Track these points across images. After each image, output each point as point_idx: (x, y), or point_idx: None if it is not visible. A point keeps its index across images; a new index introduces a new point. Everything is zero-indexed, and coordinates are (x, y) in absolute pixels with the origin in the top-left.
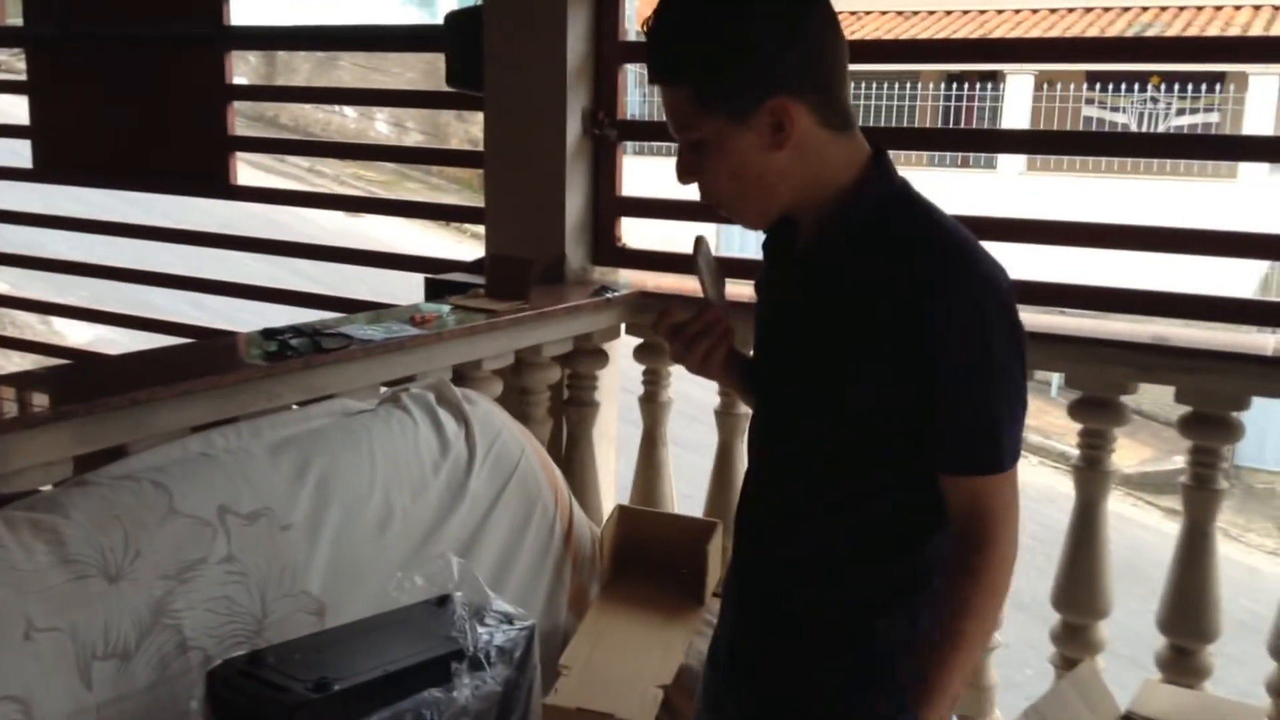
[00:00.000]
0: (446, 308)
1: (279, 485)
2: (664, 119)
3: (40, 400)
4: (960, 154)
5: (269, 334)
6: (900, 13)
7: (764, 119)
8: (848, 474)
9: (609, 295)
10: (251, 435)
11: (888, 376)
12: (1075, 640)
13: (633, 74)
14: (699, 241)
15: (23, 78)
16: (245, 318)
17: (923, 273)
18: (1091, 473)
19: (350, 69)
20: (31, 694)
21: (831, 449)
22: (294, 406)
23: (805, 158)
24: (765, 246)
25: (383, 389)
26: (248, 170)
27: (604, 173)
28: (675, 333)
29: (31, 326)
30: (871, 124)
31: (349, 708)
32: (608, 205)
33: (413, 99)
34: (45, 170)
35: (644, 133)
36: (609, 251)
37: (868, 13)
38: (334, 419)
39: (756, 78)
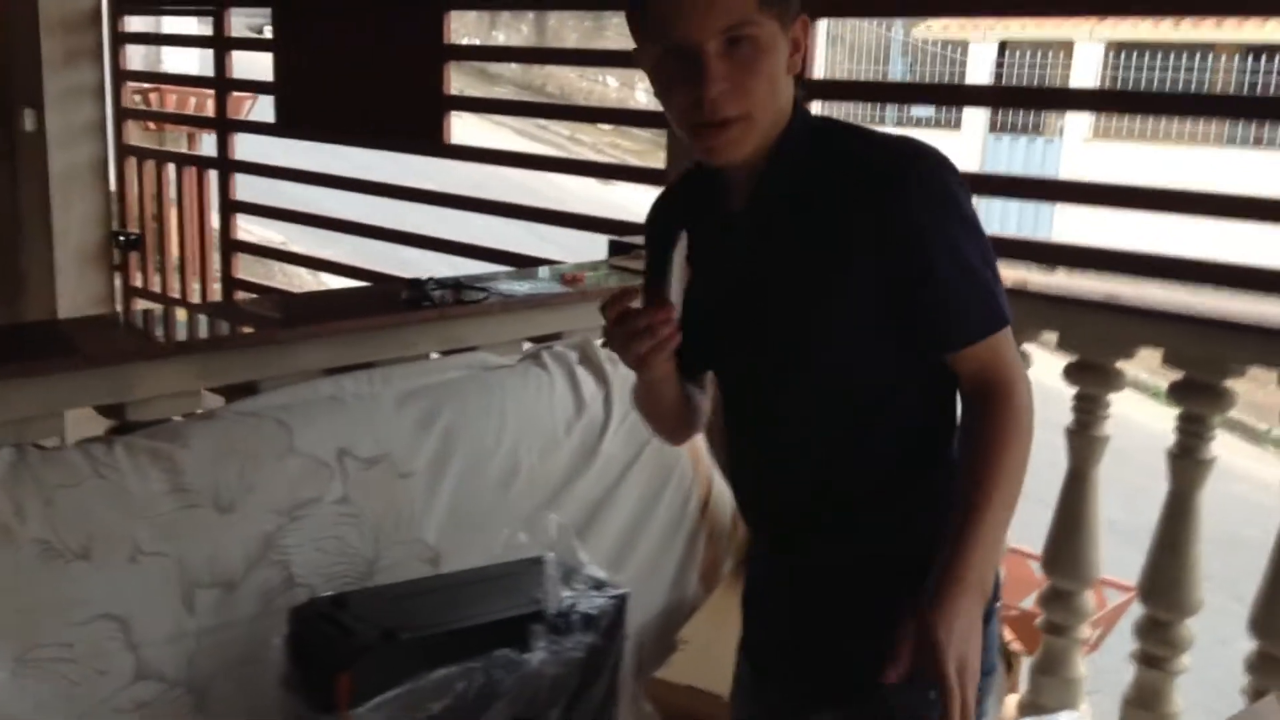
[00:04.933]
0: (603, 268)
1: (403, 433)
2: (856, 79)
3: (177, 335)
4: (1255, 131)
5: (415, 284)
6: None
7: (796, 32)
8: (868, 408)
9: None
10: (384, 382)
11: (879, 278)
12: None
13: (823, 34)
14: (680, 235)
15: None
16: None
17: (878, 166)
18: None
19: (616, 38)
20: (132, 613)
21: (846, 384)
22: (434, 356)
23: (788, 86)
24: (670, 226)
25: (528, 345)
26: (510, 136)
27: None
28: (622, 320)
29: (301, 276)
30: None
31: (414, 658)
32: None
33: (620, 59)
34: (285, 125)
35: (833, 92)
36: None
37: None
38: (470, 372)
39: None
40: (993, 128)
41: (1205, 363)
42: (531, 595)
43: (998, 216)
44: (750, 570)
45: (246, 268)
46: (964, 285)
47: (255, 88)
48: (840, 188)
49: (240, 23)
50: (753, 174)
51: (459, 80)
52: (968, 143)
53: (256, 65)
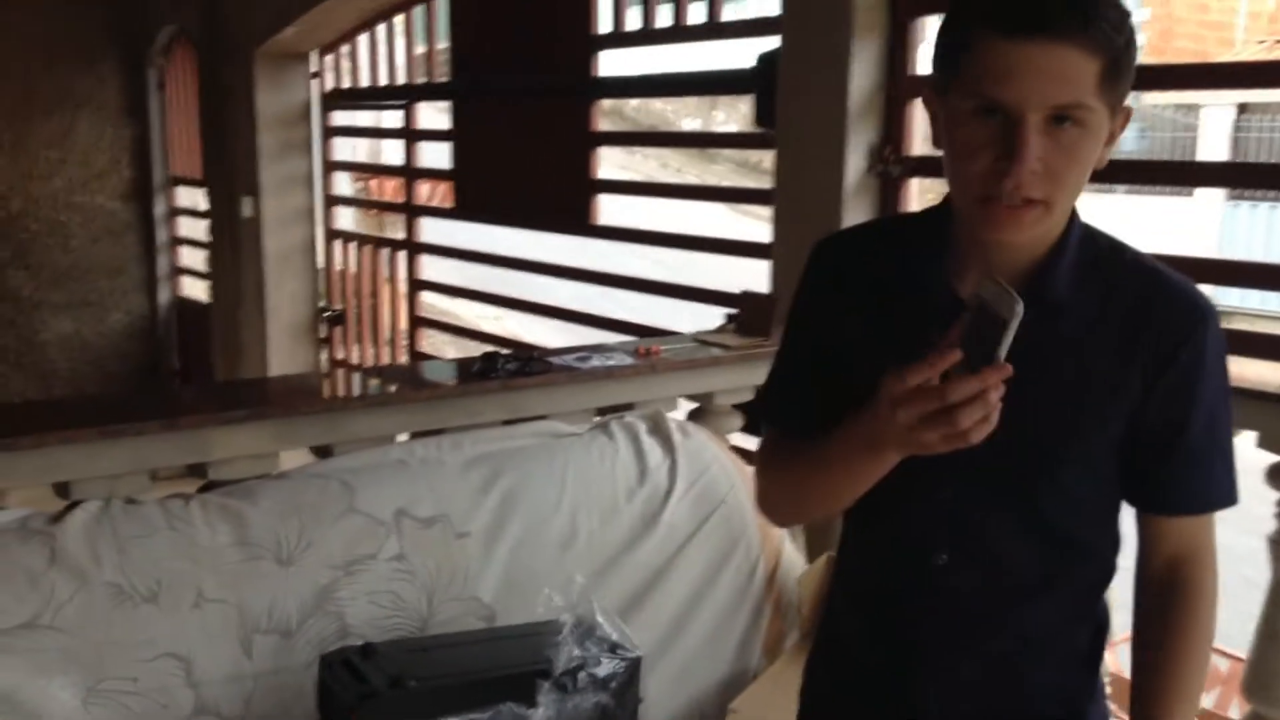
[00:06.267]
0: (688, 343)
1: (463, 495)
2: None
3: (244, 400)
4: None
5: (487, 357)
6: None
7: (1121, 119)
8: (1071, 535)
9: None
10: (452, 448)
11: (1135, 412)
12: None
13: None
14: (992, 280)
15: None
16: None
17: (1181, 299)
18: None
19: None
20: (193, 655)
21: (1060, 508)
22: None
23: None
24: (859, 285)
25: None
26: (733, 216)
27: (888, 209)
28: (922, 393)
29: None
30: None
31: (421, 706)
32: None
33: (719, 140)
34: (462, 210)
35: (934, 169)
36: None
37: None
38: (537, 440)
39: (1132, 71)
40: (1230, 194)
41: None
42: (543, 653)
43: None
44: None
45: (458, 344)
46: (1214, 450)
47: (438, 175)
48: (1136, 307)
49: None
50: (1014, 261)
51: (676, 160)
52: (1202, 211)
53: None
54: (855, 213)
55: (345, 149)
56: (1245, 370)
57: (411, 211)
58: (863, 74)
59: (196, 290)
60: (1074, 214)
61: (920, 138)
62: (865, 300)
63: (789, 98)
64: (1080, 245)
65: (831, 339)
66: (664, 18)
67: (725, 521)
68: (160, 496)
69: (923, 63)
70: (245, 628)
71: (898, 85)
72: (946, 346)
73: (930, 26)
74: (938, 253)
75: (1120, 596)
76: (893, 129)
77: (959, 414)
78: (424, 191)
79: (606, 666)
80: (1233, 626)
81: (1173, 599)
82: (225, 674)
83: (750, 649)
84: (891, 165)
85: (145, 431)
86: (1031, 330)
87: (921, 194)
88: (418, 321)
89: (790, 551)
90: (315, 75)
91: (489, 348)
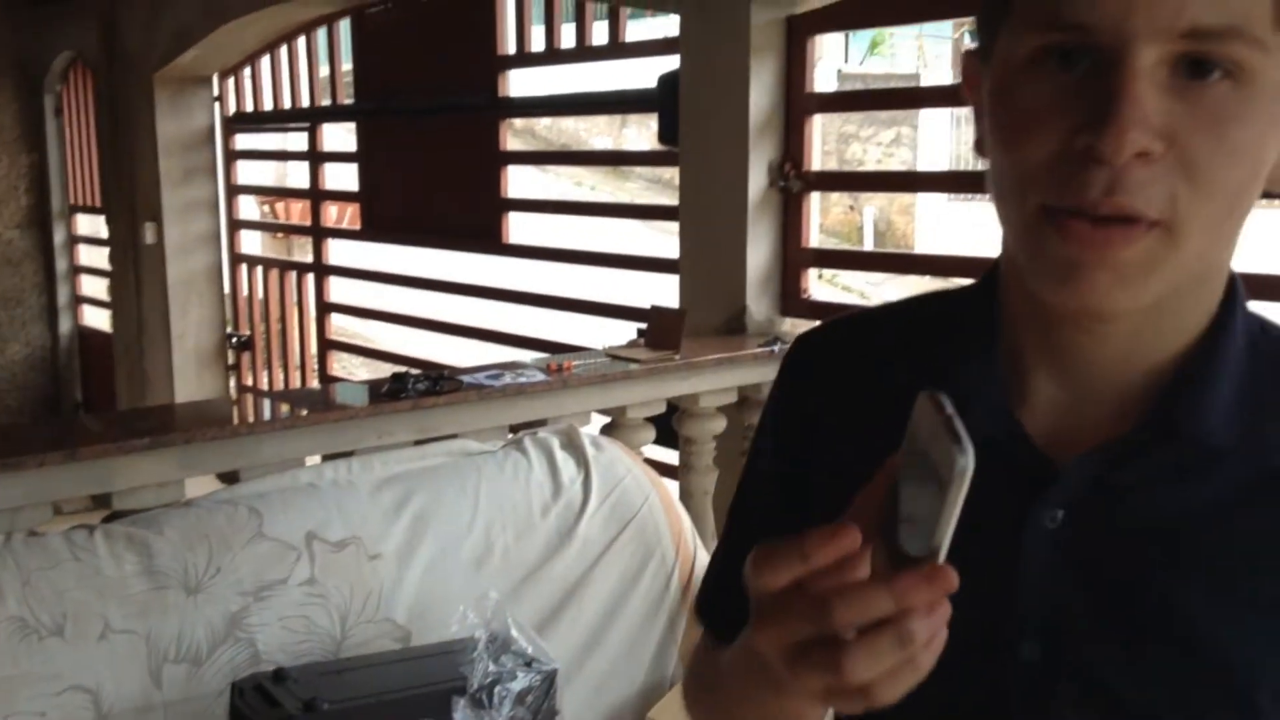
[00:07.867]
0: (600, 358)
1: (374, 517)
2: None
3: (148, 429)
4: None
5: (397, 377)
6: None
7: None
8: None
9: (774, 348)
10: (363, 469)
11: None
12: None
13: (819, 124)
14: (965, 457)
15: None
16: None
17: None
18: None
19: None
20: (101, 686)
21: None
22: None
23: (1250, 207)
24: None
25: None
26: (650, 234)
27: (790, 224)
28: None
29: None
30: None
31: None
32: (794, 257)
33: (627, 158)
34: (369, 231)
35: (832, 183)
36: (796, 303)
37: None
38: (449, 459)
39: None
40: None
41: None
42: (458, 670)
43: None
44: None
45: (370, 366)
46: None
47: (345, 197)
48: None
49: None
50: (1117, 365)
51: (591, 178)
52: None
53: None
54: (759, 227)
55: (250, 172)
56: None
57: (319, 234)
58: (761, 92)
59: (99, 319)
60: (1233, 280)
61: (818, 153)
62: (866, 436)
63: (690, 116)
64: (1249, 341)
65: (813, 495)
66: (568, 38)
67: (640, 533)
68: (64, 528)
69: (820, 80)
70: (154, 658)
71: (796, 103)
72: (853, 516)
73: (826, 45)
74: (984, 352)
75: None
76: (791, 145)
77: (850, 657)
78: (331, 213)
79: (522, 681)
80: None
81: None
82: (135, 705)
83: (667, 658)
84: (791, 180)
85: (47, 463)
86: (1161, 496)
87: (826, 209)
88: (328, 345)
89: (705, 560)
90: (217, 99)
91: (401, 369)
